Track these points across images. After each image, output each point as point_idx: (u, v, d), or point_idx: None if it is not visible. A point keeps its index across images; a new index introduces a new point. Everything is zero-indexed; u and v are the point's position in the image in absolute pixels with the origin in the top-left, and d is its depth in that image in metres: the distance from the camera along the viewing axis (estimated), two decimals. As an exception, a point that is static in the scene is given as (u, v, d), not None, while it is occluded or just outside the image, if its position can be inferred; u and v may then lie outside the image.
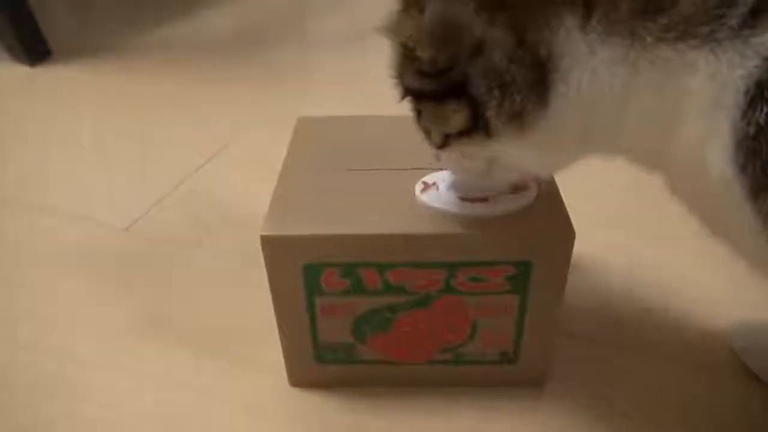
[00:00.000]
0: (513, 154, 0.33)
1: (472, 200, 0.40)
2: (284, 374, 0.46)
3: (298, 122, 0.50)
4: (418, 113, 0.35)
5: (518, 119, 0.30)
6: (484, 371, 0.45)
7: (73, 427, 0.44)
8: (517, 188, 0.40)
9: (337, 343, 0.44)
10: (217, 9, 1.32)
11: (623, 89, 0.28)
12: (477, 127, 0.31)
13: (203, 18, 1.27)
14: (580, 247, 0.39)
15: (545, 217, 0.39)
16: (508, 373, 0.45)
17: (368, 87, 0.97)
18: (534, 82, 0.29)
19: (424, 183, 0.41)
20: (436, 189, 0.41)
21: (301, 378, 0.46)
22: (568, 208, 0.40)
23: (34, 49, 1.05)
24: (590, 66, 0.28)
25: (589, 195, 0.69)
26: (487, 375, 0.46)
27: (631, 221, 0.65)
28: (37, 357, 0.50)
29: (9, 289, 0.58)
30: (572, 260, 0.39)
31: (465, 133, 0.32)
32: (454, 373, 0.46)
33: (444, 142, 0.34)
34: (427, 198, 0.40)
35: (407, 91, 0.34)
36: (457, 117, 0.31)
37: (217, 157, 0.78)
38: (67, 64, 1.06)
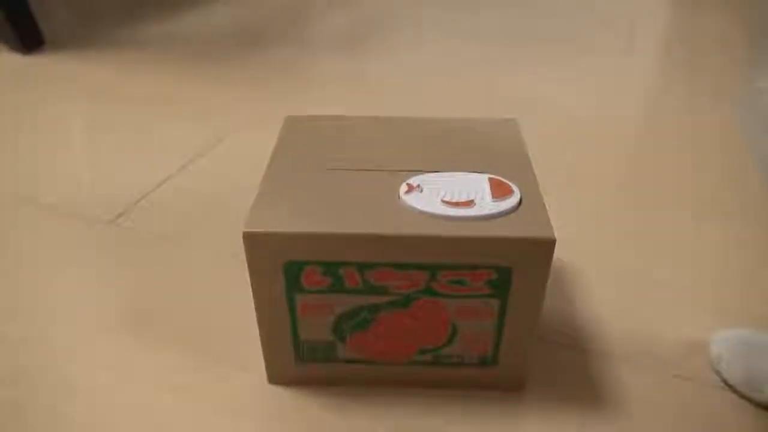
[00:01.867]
0: None
1: (455, 204, 0.40)
2: (264, 372, 0.46)
3: (286, 120, 0.50)
4: None
5: None
6: (463, 374, 0.46)
7: (53, 421, 0.44)
8: (500, 193, 0.41)
9: (317, 341, 0.44)
10: (218, 6, 1.32)
11: None
12: None
13: (202, 15, 1.27)
14: (562, 254, 0.39)
15: (527, 222, 0.39)
16: (488, 377, 0.46)
17: (365, 88, 0.98)
18: None
19: (408, 185, 0.42)
20: (420, 191, 0.41)
21: (280, 376, 0.46)
22: (550, 215, 0.40)
23: (28, 38, 1.05)
24: None
25: (572, 201, 0.69)
26: (467, 377, 0.46)
27: (615, 228, 0.65)
28: (17, 350, 0.50)
29: (-8, 278, 0.57)
30: (553, 266, 0.40)
31: None
32: (433, 375, 0.46)
33: None
34: (411, 200, 0.40)
35: None
36: None
37: (208, 153, 0.78)
38: (61, 55, 1.06)
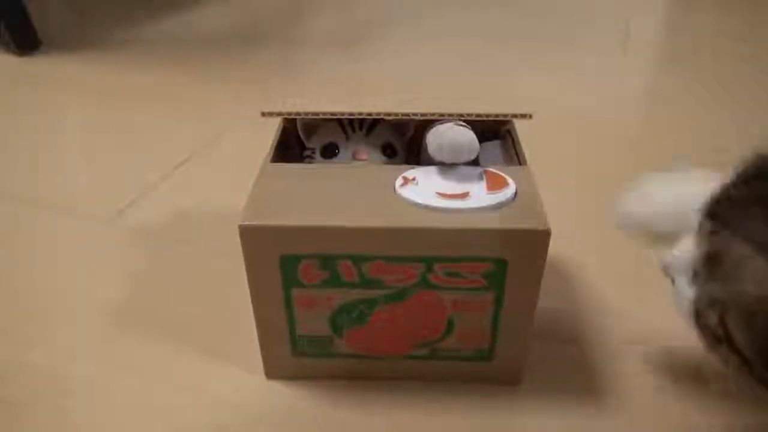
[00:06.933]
0: None
1: (451, 196, 0.40)
2: (261, 367, 0.46)
3: (283, 119, 0.50)
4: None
5: None
6: (460, 367, 0.46)
7: (53, 421, 0.44)
8: (495, 186, 0.41)
9: (314, 335, 0.44)
10: (212, 6, 1.32)
11: None
12: None
13: (197, 15, 1.27)
14: (558, 249, 0.39)
15: (522, 214, 0.39)
16: (485, 371, 0.46)
17: (364, 87, 0.98)
18: None
19: (404, 178, 0.42)
20: (416, 184, 0.41)
21: (277, 371, 0.46)
22: (546, 208, 0.40)
23: (24, 39, 1.05)
24: None
25: (572, 200, 0.69)
26: (464, 371, 0.46)
27: (614, 226, 0.65)
28: (17, 349, 0.50)
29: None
30: (550, 261, 0.40)
31: None
32: (430, 369, 0.46)
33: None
34: (407, 192, 0.40)
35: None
36: None
37: (203, 152, 0.78)
38: (57, 56, 1.06)
